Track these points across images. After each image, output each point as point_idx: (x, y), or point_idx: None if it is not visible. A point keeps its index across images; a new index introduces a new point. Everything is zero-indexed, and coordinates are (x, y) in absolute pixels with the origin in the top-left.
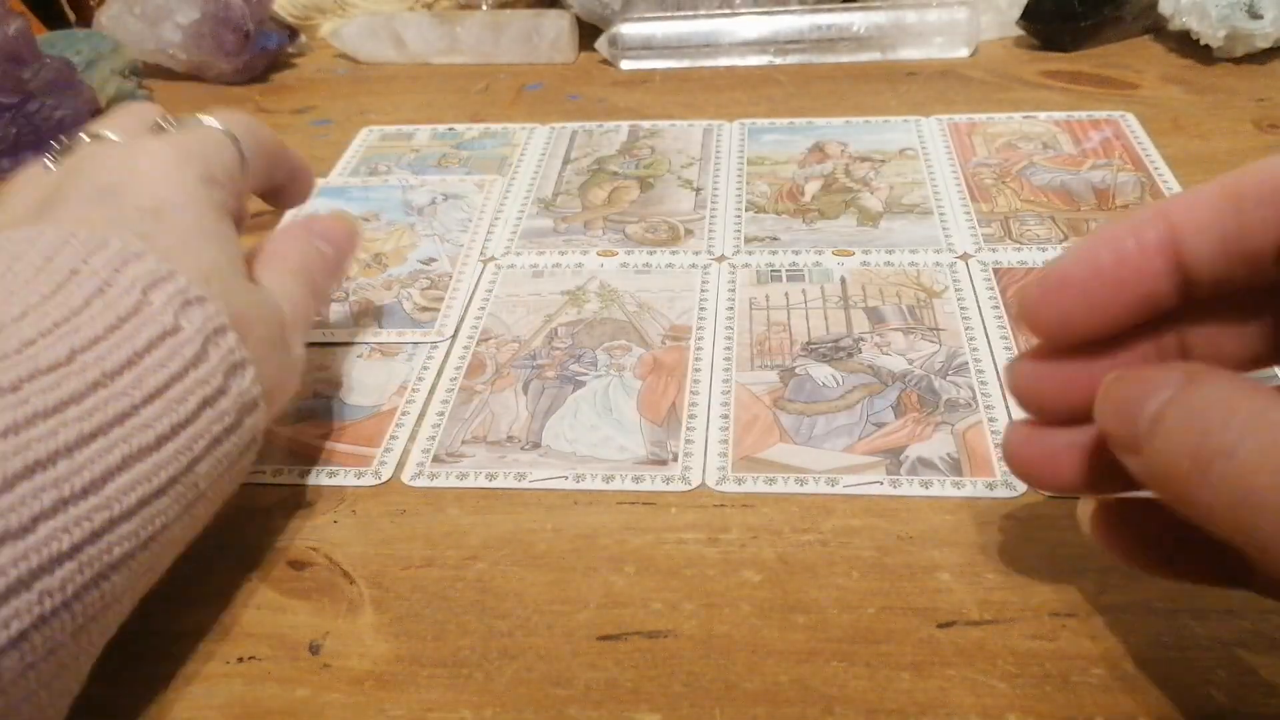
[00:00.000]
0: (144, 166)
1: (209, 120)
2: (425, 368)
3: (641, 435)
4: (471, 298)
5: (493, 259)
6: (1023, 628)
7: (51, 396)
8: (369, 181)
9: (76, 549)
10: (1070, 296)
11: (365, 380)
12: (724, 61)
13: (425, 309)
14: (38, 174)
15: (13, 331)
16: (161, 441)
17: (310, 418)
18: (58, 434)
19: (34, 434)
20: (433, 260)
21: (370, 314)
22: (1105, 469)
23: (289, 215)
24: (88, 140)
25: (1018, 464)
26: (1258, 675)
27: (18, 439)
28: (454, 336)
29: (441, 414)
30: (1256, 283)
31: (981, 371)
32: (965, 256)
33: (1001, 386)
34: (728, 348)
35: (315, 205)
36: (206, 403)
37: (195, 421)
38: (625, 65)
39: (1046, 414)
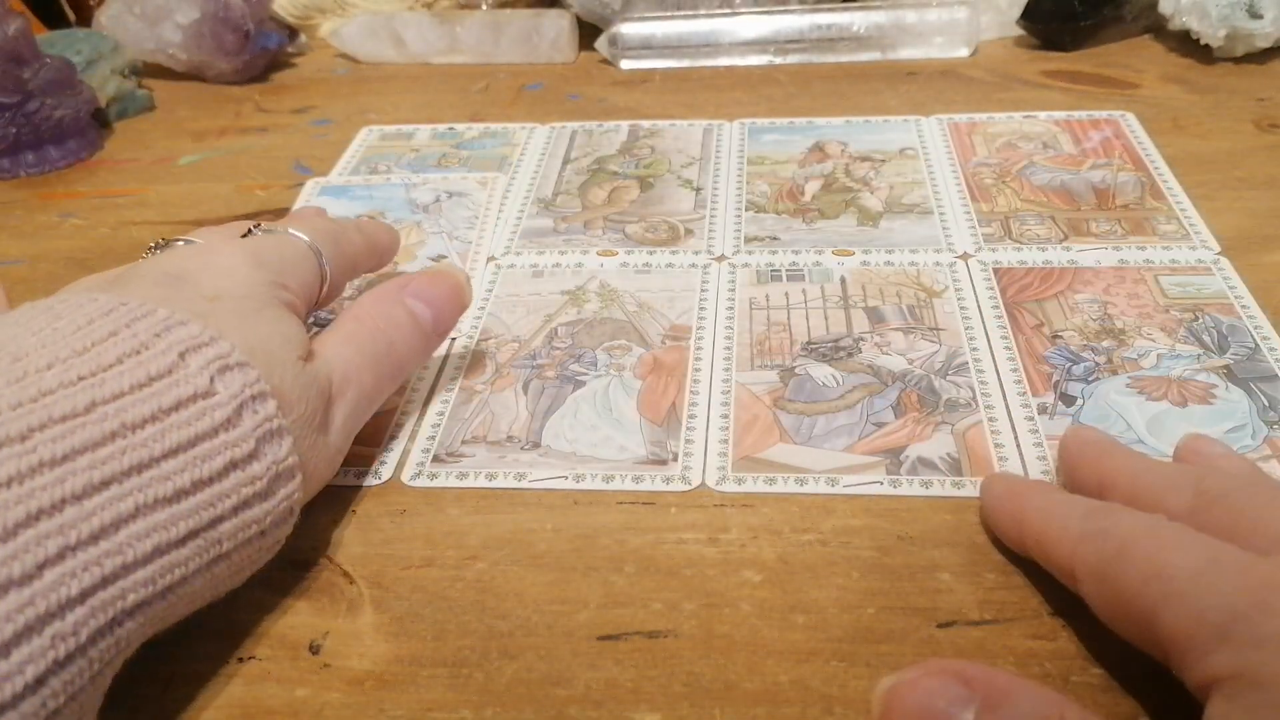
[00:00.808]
0: (216, 261)
1: (295, 232)
2: (425, 367)
3: (641, 435)
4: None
5: (493, 258)
6: (1023, 628)
7: (62, 445)
8: (371, 180)
9: (86, 594)
10: None
11: None
12: (724, 61)
13: None
14: (129, 265)
15: (33, 380)
16: (181, 495)
17: None
18: (65, 481)
19: (38, 482)
20: (443, 257)
21: None
22: None
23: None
24: (181, 242)
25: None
26: None
27: (21, 488)
28: (453, 338)
29: (441, 414)
30: None
31: (981, 371)
32: (965, 256)
33: (1002, 386)
34: (728, 348)
35: (318, 203)
36: (235, 464)
37: (221, 481)
38: (625, 65)
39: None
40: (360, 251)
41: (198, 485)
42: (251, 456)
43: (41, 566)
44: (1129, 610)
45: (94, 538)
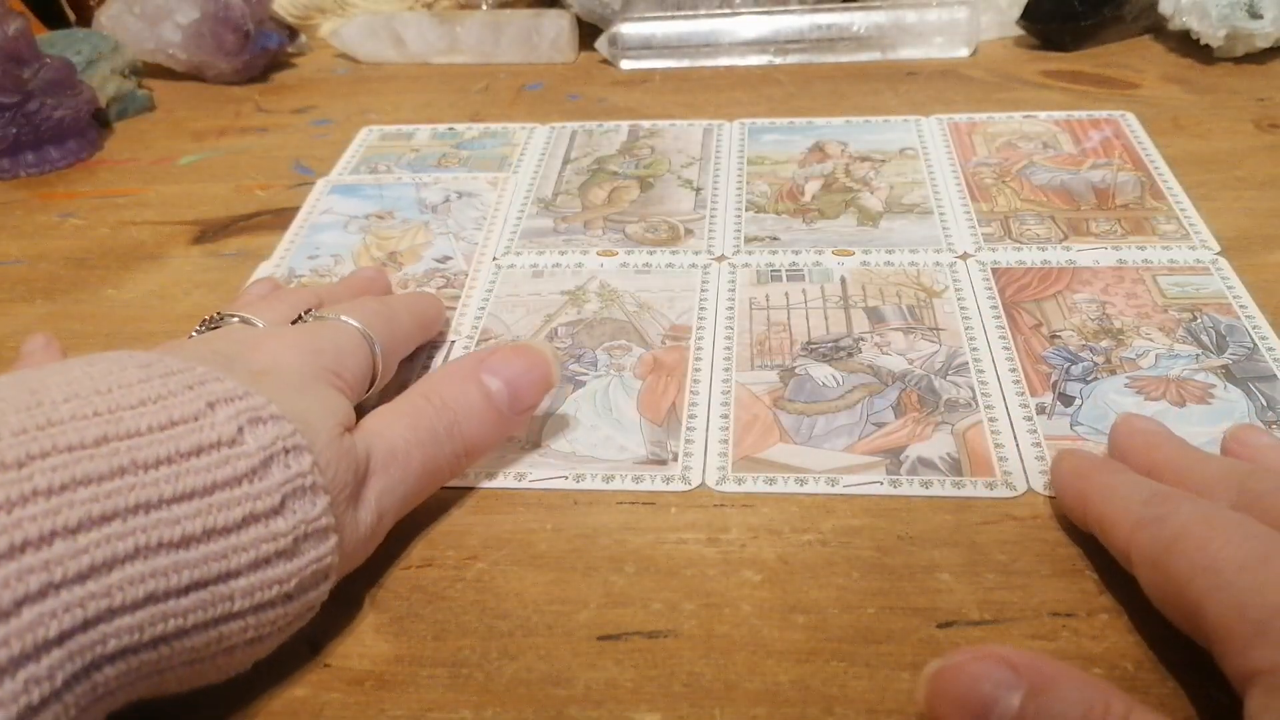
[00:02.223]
0: (266, 345)
1: (348, 319)
2: (425, 368)
3: (641, 435)
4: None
5: (493, 259)
6: (1023, 628)
7: (60, 475)
8: (382, 179)
9: (65, 636)
10: None
11: None
12: (724, 61)
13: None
14: (176, 340)
15: (45, 410)
16: (189, 541)
17: None
18: (59, 513)
19: (28, 512)
20: (448, 258)
21: None
22: None
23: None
24: (235, 320)
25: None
26: None
27: (8, 517)
28: (452, 340)
29: None
30: None
31: (981, 371)
32: (965, 256)
33: (1001, 386)
34: (728, 348)
35: (328, 203)
36: (256, 518)
37: (237, 533)
38: (625, 65)
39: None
40: (410, 333)
41: (210, 534)
42: (275, 512)
43: (20, 603)
44: (1178, 599)
45: (81, 576)
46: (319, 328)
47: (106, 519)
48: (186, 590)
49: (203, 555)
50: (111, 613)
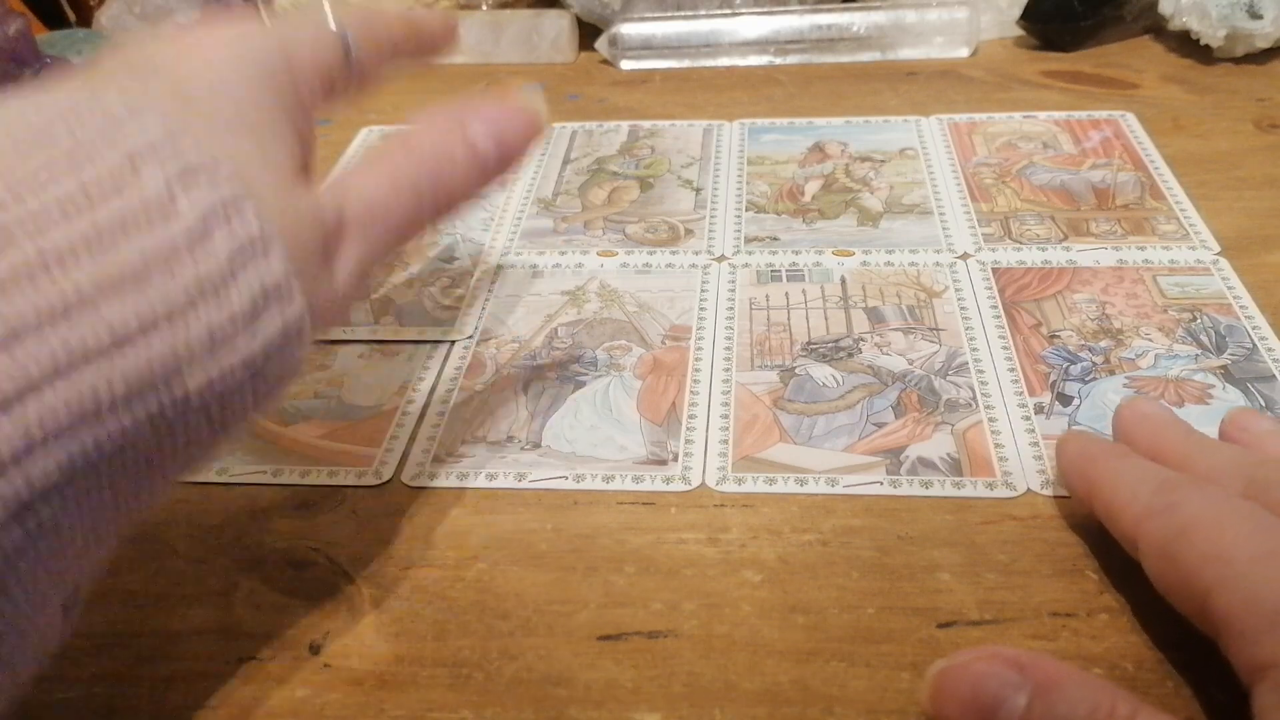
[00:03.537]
0: (201, 52)
1: (326, 11)
2: (426, 368)
3: (641, 435)
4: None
5: (497, 260)
6: (1023, 628)
7: None
8: None
9: None
10: None
11: (366, 380)
12: (724, 61)
13: (447, 307)
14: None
15: None
16: (123, 343)
17: (310, 417)
18: None
19: None
20: (454, 259)
21: (390, 312)
22: None
23: None
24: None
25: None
26: None
27: None
28: (452, 340)
29: (442, 414)
30: None
31: (981, 371)
32: (965, 256)
33: (1000, 386)
34: (728, 348)
35: None
36: (201, 297)
37: (182, 320)
38: (625, 65)
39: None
40: (399, 35)
41: (148, 329)
42: (225, 282)
43: None
44: (1186, 588)
45: None
46: (275, 23)
47: (15, 337)
48: (128, 401)
49: (145, 358)
50: (30, 450)
